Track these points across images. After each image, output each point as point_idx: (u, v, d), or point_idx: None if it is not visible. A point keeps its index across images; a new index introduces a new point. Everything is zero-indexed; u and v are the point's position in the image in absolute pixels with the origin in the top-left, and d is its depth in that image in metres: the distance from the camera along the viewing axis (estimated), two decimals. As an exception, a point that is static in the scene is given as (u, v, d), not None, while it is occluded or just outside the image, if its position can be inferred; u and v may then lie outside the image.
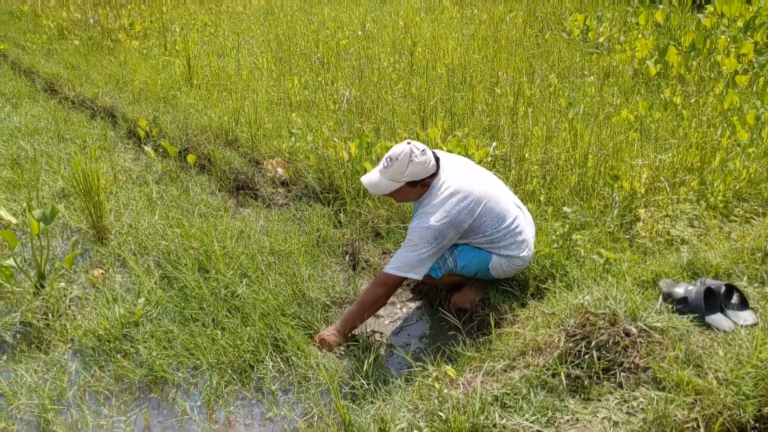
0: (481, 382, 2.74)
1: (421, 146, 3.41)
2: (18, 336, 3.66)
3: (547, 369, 2.72)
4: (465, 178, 3.52)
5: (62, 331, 3.65)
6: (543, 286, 3.70)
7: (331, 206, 4.89)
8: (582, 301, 2.99)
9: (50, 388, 3.24)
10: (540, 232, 4.01)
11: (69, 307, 3.84)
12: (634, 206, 4.47)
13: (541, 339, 2.86)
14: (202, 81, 7.26)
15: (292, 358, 3.44)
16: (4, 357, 3.51)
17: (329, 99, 6.37)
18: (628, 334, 2.78)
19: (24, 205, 4.54)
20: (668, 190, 4.62)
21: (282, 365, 3.40)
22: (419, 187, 3.47)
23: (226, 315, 3.68)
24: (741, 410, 2.58)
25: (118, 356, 3.45)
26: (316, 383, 3.25)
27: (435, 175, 3.46)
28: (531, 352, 2.85)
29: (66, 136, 6.34)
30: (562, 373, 2.67)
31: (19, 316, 3.70)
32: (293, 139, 5.46)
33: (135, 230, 4.56)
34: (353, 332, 3.58)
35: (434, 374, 2.90)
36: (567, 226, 3.97)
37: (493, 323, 3.17)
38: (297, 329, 3.60)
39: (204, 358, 3.39)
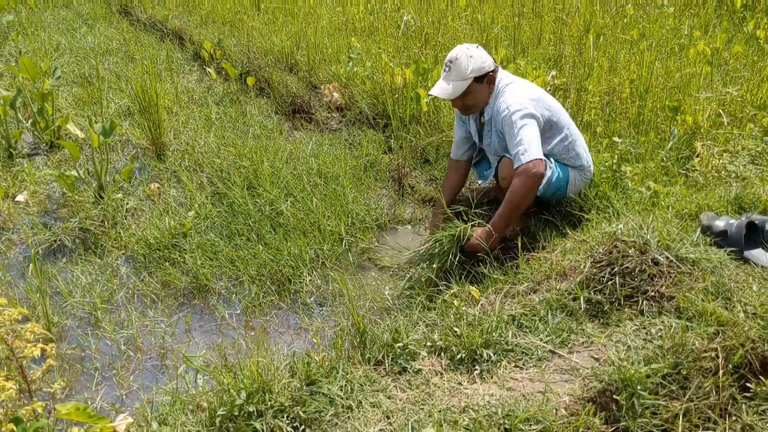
0: (502, 302, 2.77)
1: (473, 44, 3.47)
2: (77, 241, 3.90)
3: (569, 293, 2.71)
4: (522, 81, 3.54)
5: (117, 238, 3.86)
6: (585, 216, 3.64)
7: (383, 132, 4.91)
8: (615, 230, 2.94)
9: (102, 289, 3.46)
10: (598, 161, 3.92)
11: (125, 216, 4.04)
12: (694, 141, 4.31)
13: (567, 264, 2.84)
14: (268, 5, 7.30)
15: (330, 273, 3.54)
16: (64, 259, 3.74)
17: (392, 25, 6.31)
18: (656, 263, 2.72)
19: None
20: (732, 125, 4.42)
21: (319, 280, 3.51)
22: (486, 84, 3.45)
23: (270, 231, 3.80)
24: (766, 344, 2.52)
25: (166, 264, 3.63)
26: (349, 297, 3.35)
27: (496, 71, 3.46)
28: (555, 276, 2.84)
29: (136, 56, 6.54)
30: (581, 297, 2.65)
31: (78, 223, 3.92)
32: (351, 64, 5.46)
33: (192, 148, 4.71)
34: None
35: (459, 294, 2.93)
36: (616, 156, 3.86)
37: (520, 248, 3.16)
38: (336, 246, 3.69)
39: (245, 270, 3.53)
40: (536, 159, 3.21)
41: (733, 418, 2.37)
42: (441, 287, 3.07)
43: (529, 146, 3.23)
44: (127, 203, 4.12)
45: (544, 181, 3.37)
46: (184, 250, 3.70)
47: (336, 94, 5.34)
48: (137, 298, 3.46)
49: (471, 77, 3.38)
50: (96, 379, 2.94)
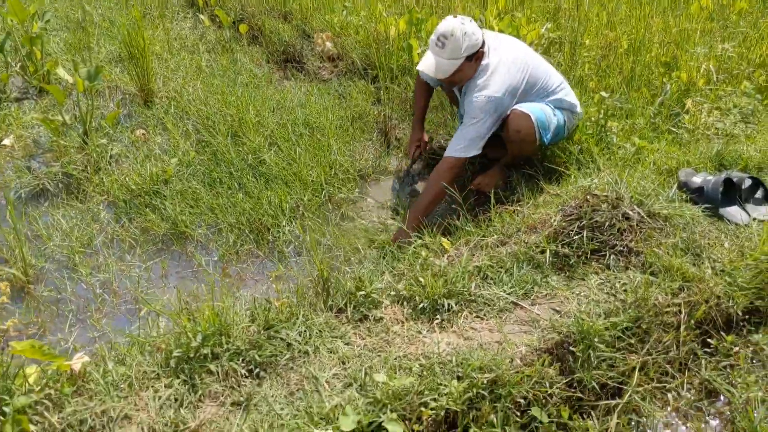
0: (470, 254, 2.76)
1: (466, 17, 3.38)
2: (60, 186, 3.90)
3: (537, 246, 2.70)
4: (505, 47, 3.49)
5: (100, 183, 3.86)
6: (567, 172, 3.62)
7: (373, 83, 4.85)
8: (590, 184, 2.91)
9: (81, 234, 3.47)
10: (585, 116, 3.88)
11: (109, 162, 4.04)
12: (686, 98, 4.24)
13: (537, 218, 2.82)
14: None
15: (308, 223, 3.54)
16: (46, 204, 3.75)
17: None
18: (627, 218, 2.71)
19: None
20: (727, 82, 4.34)
21: (298, 230, 3.51)
22: (474, 61, 3.39)
23: (252, 180, 3.79)
24: (731, 301, 2.51)
25: (147, 210, 3.64)
26: (327, 247, 3.37)
27: (483, 45, 3.39)
28: (526, 229, 2.83)
29: (131, 2, 6.46)
30: (547, 250, 2.64)
31: (61, 168, 3.93)
32: (345, 12, 5.38)
33: (179, 96, 4.68)
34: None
35: (431, 245, 2.93)
36: (603, 111, 3.81)
37: (493, 200, 3.14)
38: (317, 197, 3.69)
39: (224, 218, 3.53)
40: (459, 156, 3.36)
41: (692, 373, 2.37)
42: (413, 238, 3.06)
43: (461, 142, 3.36)
44: (112, 149, 4.11)
45: (550, 132, 3.47)
46: (165, 196, 3.70)
47: (329, 44, 5.27)
48: (116, 243, 3.47)
49: (464, 56, 3.31)
50: (70, 321, 2.97)
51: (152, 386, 2.08)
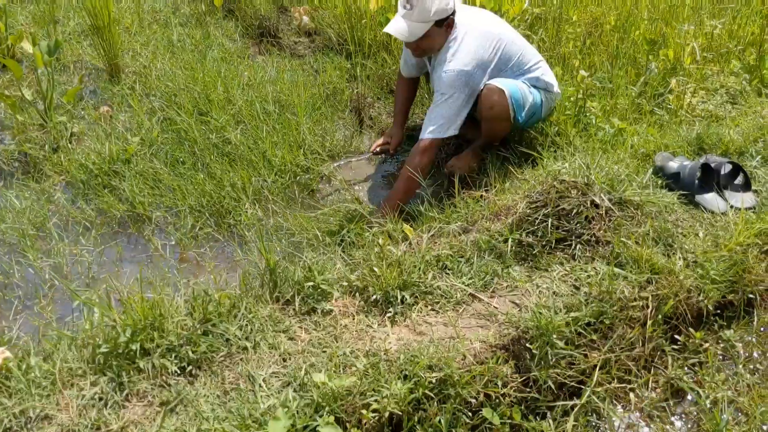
0: (430, 242, 2.62)
1: None
2: (16, 164, 3.75)
3: (501, 234, 2.55)
4: (477, 20, 3.33)
5: (58, 163, 3.71)
6: (544, 154, 3.47)
7: (349, 60, 4.68)
8: (560, 168, 2.76)
9: (35, 215, 3.32)
10: (563, 96, 3.72)
11: (69, 140, 3.88)
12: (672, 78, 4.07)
13: (502, 204, 2.68)
14: None
15: (272, 206, 3.40)
16: (0, 183, 3.60)
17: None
18: (596, 206, 2.56)
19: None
20: (715, 61, 4.17)
21: (260, 213, 3.37)
22: (444, 28, 3.22)
23: (216, 160, 3.64)
24: (702, 294, 2.37)
25: (105, 191, 3.49)
26: (289, 232, 3.22)
27: (454, 15, 3.22)
28: (491, 216, 2.68)
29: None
30: (510, 239, 2.50)
31: (16, 146, 3.77)
32: (323, -15, 5.20)
33: (148, 71, 4.51)
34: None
35: (392, 231, 2.78)
36: (582, 91, 3.64)
37: (457, 186, 2.99)
38: (282, 178, 3.54)
39: (183, 200, 3.39)
40: (434, 138, 3.22)
41: (658, 371, 2.24)
42: (375, 224, 2.92)
43: (434, 122, 3.22)
44: (73, 127, 3.95)
45: (525, 110, 3.33)
46: (125, 177, 3.54)
47: (305, 18, 5.09)
48: (71, 226, 3.33)
49: (433, 20, 3.14)
50: (16, 308, 2.83)
51: (77, 384, 1.95)
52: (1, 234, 3.23)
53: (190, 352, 2.03)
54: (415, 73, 3.72)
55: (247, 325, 2.16)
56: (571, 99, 3.67)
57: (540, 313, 2.17)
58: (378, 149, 3.80)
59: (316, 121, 4.05)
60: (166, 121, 4.03)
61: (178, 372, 2.00)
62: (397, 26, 3.19)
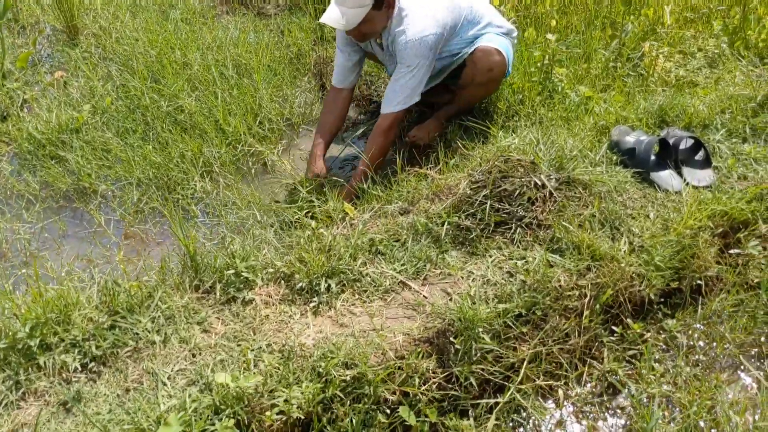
0: (372, 224, 2.50)
1: None
2: (-37, 134, 3.64)
3: (439, 217, 2.43)
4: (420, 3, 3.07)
5: (6, 132, 3.59)
6: (508, 124, 3.32)
7: (316, 19, 4.49)
8: (509, 144, 2.62)
9: (-24, 190, 3.23)
10: (528, 62, 3.55)
11: (21, 107, 3.76)
12: (652, 40, 3.88)
13: (444, 183, 2.54)
14: None
15: (220, 179, 3.28)
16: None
17: None
18: (543, 186, 2.42)
19: None
20: (699, 22, 3.97)
21: (209, 186, 3.25)
22: (385, 9, 2.98)
23: (168, 130, 3.51)
24: (645, 282, 2.26)
25: (52, 162, 3.38)
26: (236, 207, 3.11)
27: None
28: (431, 196, 2.55)
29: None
30: (446, 223, 2.38)
31: (-37, 114, 3.66)
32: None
33: (107, 34, 4.34)
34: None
35: (333, 211, 2.66)
36: (547, 56, 3.47)
37: (399, 164, 2.85)
38: (234, 149, 3.42)
39: (129, 173, 3.27)
40: (398, 111, 3.04)
41: (593, 364, 2.14)
42: (317, 202, 2.79)
43: (398, 95, 3.02)
44: (24, 93, 3.82)
45: (511, 59, 3.22)
46: (72, 147, 3.43)
47: (275, -25, 4.88)
48: (15, 200, 3.23)
49: (369, 4, 2.89)
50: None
51: (-27, 382, 1.87)
52: (-61, 209, 3.15)
53: (94, 348, 1.94)
54: (353, 79, 3.35)
55: (160, 316, 2.07)
56: (537, 65, 3.49)
57: (465, 304, 2.06)
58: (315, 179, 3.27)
59: (276, 86, 3.89)
60: (122, 87, 3.88)
61: (80, 369, 1.91)
62: (332, 15, 2.93)
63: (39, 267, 2.77)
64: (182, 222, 2.70)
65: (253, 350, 1.98)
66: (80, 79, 3.99)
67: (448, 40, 3.10)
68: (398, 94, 3.02)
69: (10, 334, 1.92)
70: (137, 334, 2.01)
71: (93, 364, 1.93)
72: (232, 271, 2.21)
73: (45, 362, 1.90)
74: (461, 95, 3.33)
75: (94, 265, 2.85)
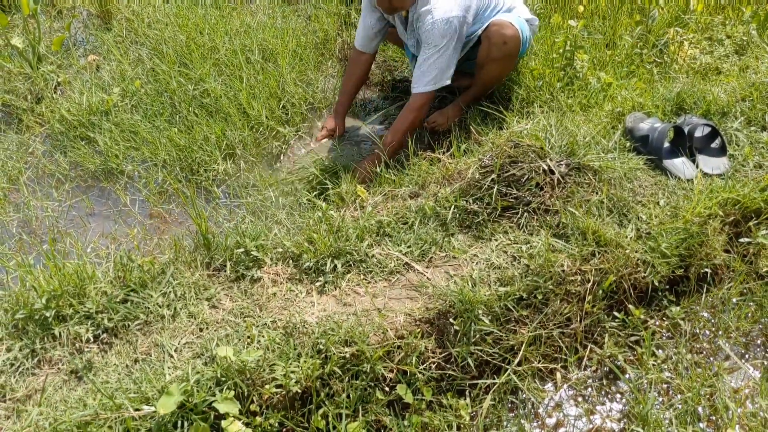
0: (375, 207, 2.54)
1: None
2: (1, 115, 3.78)
3: (447, 201, 2.46)
4: None
5: (41, 114, 3.72)
6: (528, 110, 3.32)
7: (347, 5, 4.53)
8: (522, 129, 2.63)
9: (11, 168, 3.36)
10: (551, 49, 3.53)
11: (54, 90, 3.88)
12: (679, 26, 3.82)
13: (453, 168, 2.57)
14: None
15: (242, 162, 3.36)
16: (-16, 134, 3.64)
17: None
18: (551, 172, 2.44)
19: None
20: (728, 6, 3.90)
21: (231, 168, 3.33)
22: None
23: (194, 113, 3.59)
24: (649, 269, 2.26)
25: (82, 143, 3.49)
26: (256, 190, 3.18)
27: None
28: (442, 180, 2.58)
29: None
30: (453, 206, 2.41)
31: (0, 96, 3.79)
32: None
33: (140, 18, 4.45)
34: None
35: (346, 194, 2.71)
36: (569, 42, 3.45)
37: (411, 147, 2.88)
38: (257, 132, 3.49)
39: (157, 155, 3.37)
40: (428, 91, 3.05)
41: (594, 348, 2.16)
42: (330, 185, 2.85)
43: (429, 74, 3.03)
44: (58, 77, 3.94)
45: (523, 44, 3.20)
46: (101, 129, 3.54)
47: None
48: (45, 179, 3.35)
49: None
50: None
51: (-6, 349, 1.98)
52: (-26, 186, 3.28)
53: (106, 320, 2.03)
54: (374, 45, 3.43)
55: (171, 292, 2.15)
56: (560, 51, 3.48)
57: (464, 286, 2.09)
58: (323, 139, 3.54)
59: (301, 71, 3.95)
60: (151, 71, 3.98)
61: (92, 340, 2.01)
62: None
63: (65, 243, 2.89)
64: (195, 201, 2.77)
65: (257, 326, 2.05)
66: (112, 62, 4.10)
67: (470, 24, 3.12)
68: (427, 75, 3.04)
69: (29, 305, 2.02)
70: (148, 308, 2.10)
71: (105, 335, 2.02)
72: (242, 250, 2.28)
73: (60, 332, 1.99)
74: (479, 76, 3.34)
75: (118, 243, 2.95)
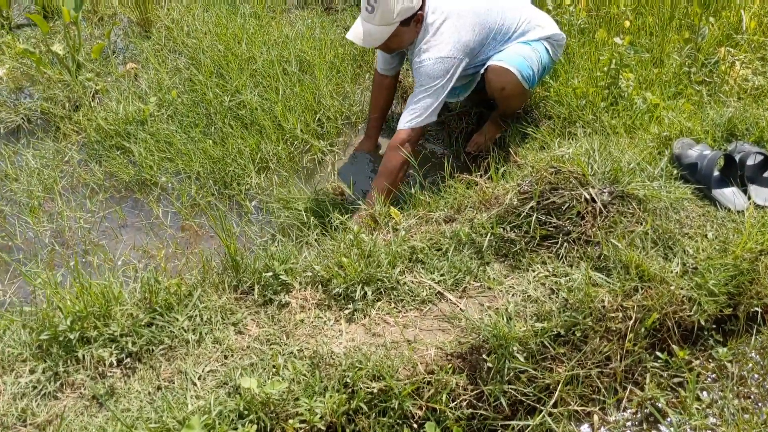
0: (408, 231, 2.47)
1: None
2: (39, 122, 3.79)
3: (484, 227, 2.37)
4: (455, 15, 2.96)
5: (78, 122, 3.72)
6: (569, 129, 3.22)
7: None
8: (563, 154, 2.53)
9: (47, 176, 3.36)
10: (595, 67, 3.42)
11: (92, 98, 3.89)
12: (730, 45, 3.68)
13: (491, 192, 2.49)
14: None
15: (275, 177, 3.32)
16: (23, 141, 3.65)
17: None
18: (593, 200, 2.33)
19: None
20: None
21: (264, 182, 3.29)
22: (413, 24, 2.92)
23: (229, 125, 3.56)
24: (695, 307, 2.14)
25: (117, 153, 3.49)
26: (288, 206, 3.13)
27: (423, 6, 2.92)
28: (479, 205, 2.50)
29: None
30: (489, 234, 2.32)
31: (39, 104, 3.80)
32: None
33: (179, 26, 4.44)
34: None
35: (380, 215, 2.64)
36: (614, 61, 3.34)
37: (447, 169, 2.80)
38: (291, 146, 3.45)
39: (191, 167, 3.34)
40: (414, 128, 2.93)
41: (635, 390, 2.06)
42: (362, 206, 2.78)
43: (414, 112, 2.93)
44: (96, 84, 3.95)
45: (536, 73, 3.06)
46: (136, 139, 3.52)
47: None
48: (80, 189, 3.35)
49: (397, 21, 2.84)
50: (13, 272, 2.88)
51: (17, 370, 1.95)
52: (12, 194, 3.29)
53: (130, 344, 1.99)
54: (394, 67, 3.36)
55: (197, 315, 2.10)
56: (604, 69, 3.37)
57: (499, 321, 2.01)
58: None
59: (338, 83, 3.89)
60: (187, 81, 3.97)
61: (116, 364, 1.97)
62: (358, 32, 2.91)
63: (96, 256, 2.88)
64: (224, 220, 2.73)
65: (283, 354, 1.99)
66: (150, 71, 4.09)
67: (474, 57, 3.01)
68: (413, 113, 2.93)
69: (53, 326, 1.98)
70: (173, 332, 2.05)
71: (128, 359, 1.98)
72: (270, 274, 2.22)
73: (83, 355, 1.96)
74: (497, 103, 3.25)
75: (147, 260, 2.93)
